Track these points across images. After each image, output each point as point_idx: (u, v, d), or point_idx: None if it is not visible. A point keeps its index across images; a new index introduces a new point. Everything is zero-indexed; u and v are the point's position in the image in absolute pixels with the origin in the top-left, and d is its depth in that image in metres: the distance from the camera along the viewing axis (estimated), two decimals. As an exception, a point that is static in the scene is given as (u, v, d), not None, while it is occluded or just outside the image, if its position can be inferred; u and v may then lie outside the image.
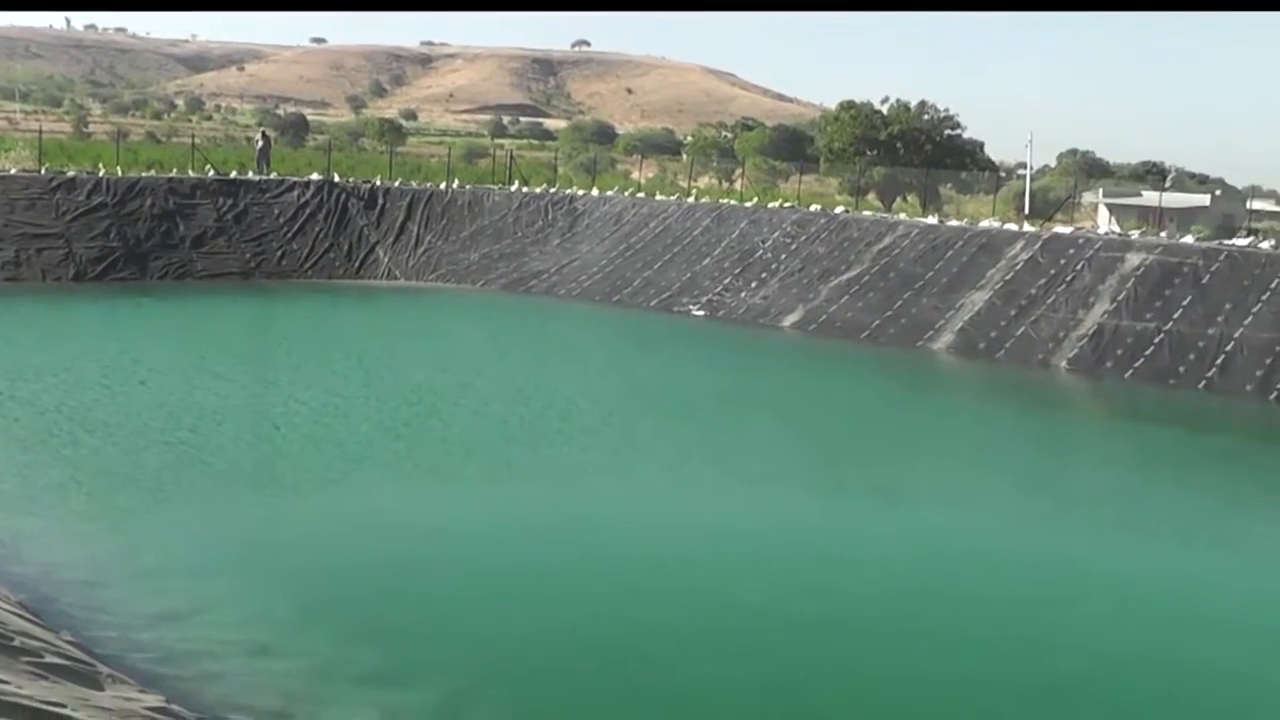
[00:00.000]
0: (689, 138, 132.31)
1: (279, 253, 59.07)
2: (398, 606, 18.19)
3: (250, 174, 63.72)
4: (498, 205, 64.85)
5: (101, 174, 58.52)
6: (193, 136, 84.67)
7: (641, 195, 66.29)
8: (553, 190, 67.78)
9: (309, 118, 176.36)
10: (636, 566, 21.07)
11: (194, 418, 29.11)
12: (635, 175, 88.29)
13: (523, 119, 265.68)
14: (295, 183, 62.98)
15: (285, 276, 57.37)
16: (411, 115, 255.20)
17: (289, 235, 60.11)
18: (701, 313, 53.09)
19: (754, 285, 54.17)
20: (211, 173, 62.64)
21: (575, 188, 69.52)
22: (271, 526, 22.13)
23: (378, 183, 65.46)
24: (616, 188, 69.38)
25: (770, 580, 20.71)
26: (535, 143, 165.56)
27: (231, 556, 20.07)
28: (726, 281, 55.01)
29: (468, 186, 67.70)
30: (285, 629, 16.94)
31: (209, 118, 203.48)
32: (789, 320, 50.88)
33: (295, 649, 16.23)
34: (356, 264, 60.34)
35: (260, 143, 69.07)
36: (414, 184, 67.13)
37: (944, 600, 20.28)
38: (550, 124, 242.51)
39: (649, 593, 19.58)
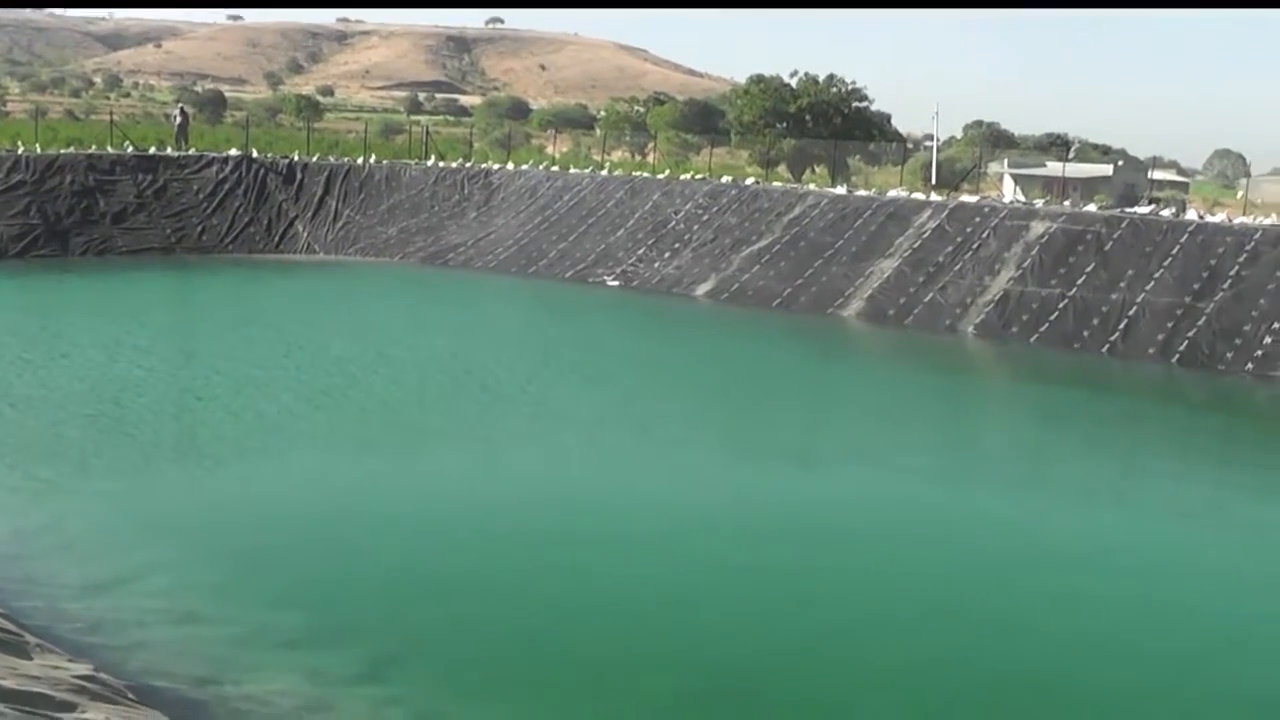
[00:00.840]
0: (602, 113, 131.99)
1: (199, 228, 58.55)
2: (322, 573, 18.13)
3: (169, 150, 63.20)
4: (415, 180, 64.56)
5: (20, 152, 57.90)
6: (111, 114, 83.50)
7: (556, 169, 66.10)
8: (469, 165, 67.53)
9: (227, 94, 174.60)
10: (556, 528, 21.03)
11: (116, 390, 28.90)
12: (550, 150, 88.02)
13: (438, 95, 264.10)
14: (214, 158, 62.47)
15: (206, 251, 56.86)
16: (328, 92, 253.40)
17: (209, 211, 59.57)
18: (616, 283, 53.06)
19: (667, 256, 54.17)
20: (131, 149, 62.08)
21: (491, 162, 69.32)
22: (195, 496, 21.96)
23: (296, 158, 65.05)
24: (531, 162, 69.27)
25: (685, 537, 20.82)
26: (451, 119, 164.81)
27: (156, 527, 19.92)
28: (640, 252, 54.99)
29: (385, 162, 67.30)
30: (211, 597, 16.84)
31: (127, 95, 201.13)
32: (702, 289, 50.96)
33: (221, 616, 16.14)
34: (276, 238, 59.92)
35: (179, 119, 68.45)
36: (332, 159, 66.67)
37: (853, 553, 20.48)
38: (466, 100, 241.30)
39: (569, 554, 19.57)
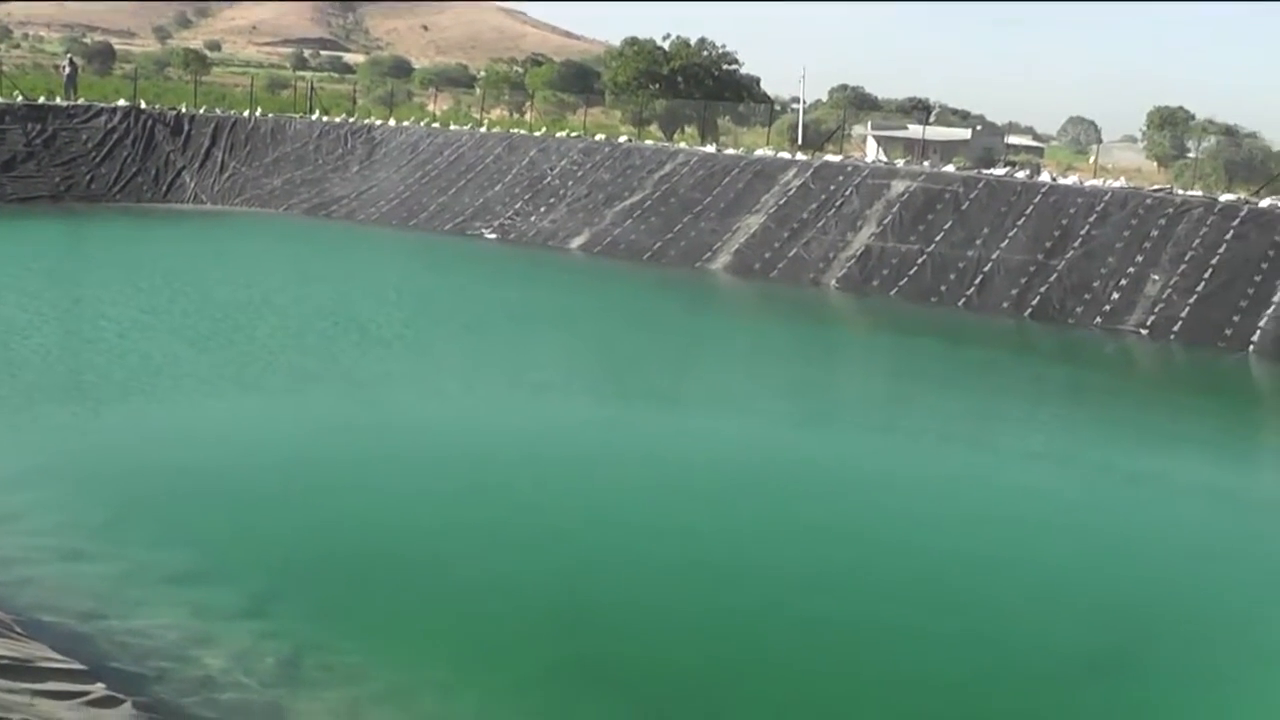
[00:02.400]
0: (482, 73, 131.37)
1: (88, 177, 57.55)
2: (205, 511, 17.89)
3: (59, 100, 62.07)
4: (299, 133, 63.88)
5: (-89, 100, 56.66)
6: (0, 64, 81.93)
7: (437, 126, 65.67)
8: (352, 120, 66.86)
9: (116, 47, 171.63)
10: (431, 468, 20.96)
11: (2, 332, 28.31)
12: (431, 108, 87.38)
13: (323, 53, 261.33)
14: (103, 109, 61.35)
15: (94, 200, 55.83)
16: (216, 46, 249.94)
17: (97, 160, 58.57)
18: (494, 236, 52.86)
19: (543, 210, 54.01)
20: (20, 99, 60.94)
21: (374, 118, 68.69)
22: (80, 437, 21.60)
23: (183, 110, 64.12)
24: (413, 119, 68.68)
25: (554, 479, 20.77)
26: (336, 75, 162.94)
27: (41, 467, 19.54)
28: (517, 206, 54.77)
29: (270, 115, 66.50)
30: (96, 535, 16.58)
31: (17, 46, 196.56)
32: (576, 242, 50.91)
33: (106, 553, 15.89)
34: (164, 188, 59.07)
35: (67, 70, 67.15)
36: (219, 112, 65.75)
37: (716, 497, 20.47)
38: (350, 58, 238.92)
39: (442, 493, 19.50)
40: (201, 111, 64.71)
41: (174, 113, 63.13)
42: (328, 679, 12.79)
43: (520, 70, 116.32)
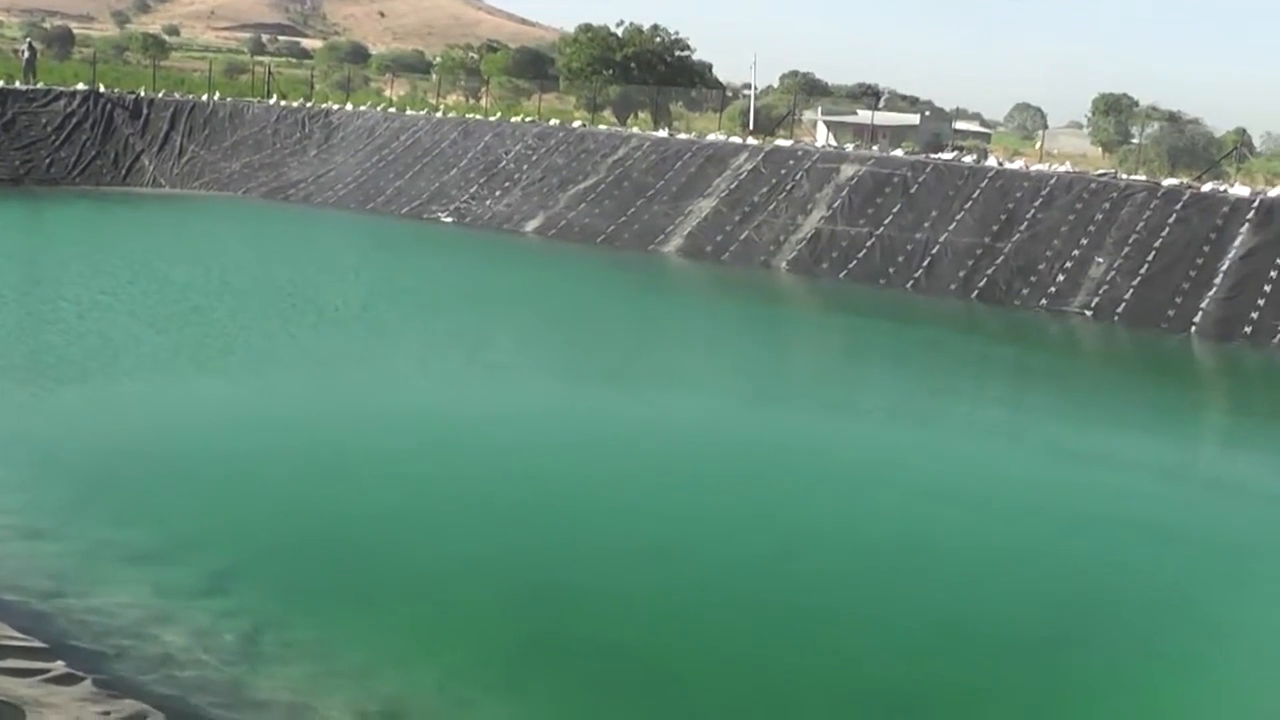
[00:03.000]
0: (438, 59, 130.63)
1: (47, 160, 57.25)
2: (165, 491, 17.73)
3: (18, 84, 61.60)
4: (257, 117, 63.67)
5: None
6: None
7: (393, 110, 65.48)
8: (309, 105, 66.59)
9: (75, 31, 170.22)
10: (390, 449, 20.78)
11: (-37, 314, 28.11)
12: (388, 93, 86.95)
13: (281, 38, 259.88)
14: (62, 92, 61.05)
15: (54, 183, 55.56)
16: (174, 31, 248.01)
17: (57, 144, 58.27)
18: (450, 219, 52.80)
19: (498, 194, 54.01)
20: (-21, 83, 60.48)
21: (331, 103, 68.37)
22: (40, 417, 21.34)
23: (142, 94, 63.78)
24: (370, 103, 68.40)
25: (511, 460, 20.67)
26: (294, 61, 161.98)
27: (1, 446, 19.38)
28: (473, 190, 54.77)
29: (229, 100, 66.23)
30: (56, 514, 16.39)
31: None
32: (531, 226, 50.92)
33: (66, 533, 15.72)
34: (123, 172, 58.83)
35: (26, 54, 66.86)
36: (177, 96, 65.45)
37: (671, 477, 20.46)
38: (307, 44, 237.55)
39: (402, 474, 19.35)
40: (160, 95, 64.41)
41: (133, 97, 62.83)
42: (288, 656, 12.69)
43: (476, 56, 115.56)
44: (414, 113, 64.57)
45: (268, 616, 13.57)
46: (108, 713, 10.48)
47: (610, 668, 13.16)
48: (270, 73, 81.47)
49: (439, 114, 64.40)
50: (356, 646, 13.05)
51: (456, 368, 27.59)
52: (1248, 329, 37.44)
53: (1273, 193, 42.98)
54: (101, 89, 62.86)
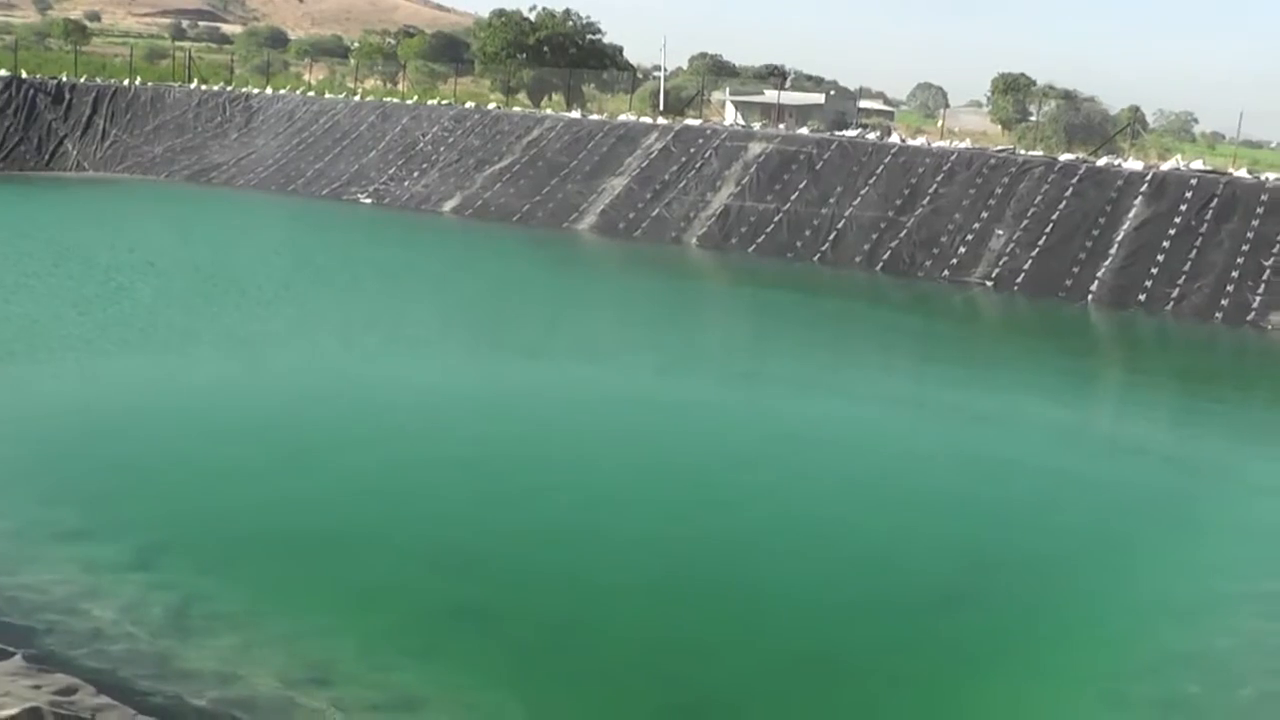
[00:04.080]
0: (356, 44, 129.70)
1: (-30, 147, 56.59)
2: (93, 469, 17.58)
3: (-60, 72, 60.82)
4: (179, 102, 63.19)
5: None
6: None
7: (312, 94, 65.06)
8: (230, 89, 66.05)
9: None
10: (312, 423, 20.75)
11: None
12: (307, 78, 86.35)
13: (201, 23, 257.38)
14: (-16, 79, 60.28)
15: (-23, 169, 54.87)
16: (95, 17, 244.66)
17: (-22, 130, 57.64)
18: (369, 200, 52.62)
19: (416, 175, 53.91)
20: (-99, 70, 59.61)
21: (251, 87, 67.83)
22: (-32, 398, 21.17)
23: (65, 79, 63.11)
24: (289, 87, 67.91)
25: (431, 431, 20.70)
26: (214, 46, 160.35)
27: (-70, 427, 19.17)
28: (391, 172, 54.66)
29: (150, 84, 65.65)
30: (-16, 494, 16.24)
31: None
32: (449, 206, 50.85)
33: (-5, 512, 15.57)
34: (46, 157, 58.33)
35: (-52, 42, 65.96)
36: (99, 81, 64.82)
37: (585, 446, 20.50)
38: (227, 29, 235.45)
39: (324, 447, 19.27)
40: (82, 81, 63.82)
41: (55, 82, 62.23)
42: (215, 628, 12.63)
43: (393, 42, 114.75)
44: (333, 97, 64.24)
45: (195, 590, 13.48)
46: (39, 686, 10.39)
47: (527, 632, 13.17)
48: (191, 58, 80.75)
49: (357, 98, 64.05)
50: (282, 617, 13.01)
51: (376, 344, 27.42)
52: (1142, 297, 38.00)
53: (1165, 167, 43.62)
54: (24, 75, 62.21)
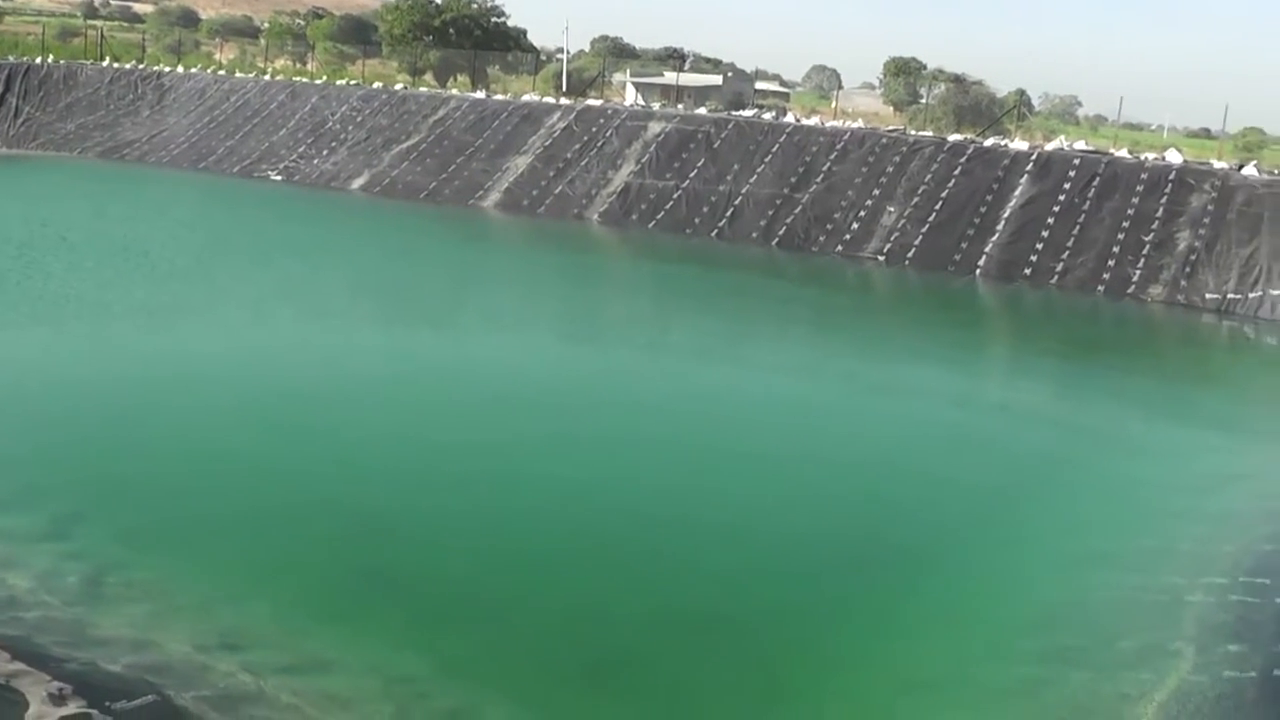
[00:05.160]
0: (266, 24, 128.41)
1: (-119, 123, 55.61)
2: (5, 440, 17.27)
3: None
4: (91, 79, 62.36)
5: None
6: None
7: (223, 73, 64.37)
8: (142, 67, 65.21)
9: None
10: (222, 393, 20.48)
11: None
12: (218, 57, 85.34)
13: (113, 2, 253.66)
14: (-104, 58, 59.19)
15: (-111, 146, 53.91)
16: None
17: (-109, 108, 56.68)
18: (279, 177, 52.24)
19: (325, 153, 53.55)
20: None
21: (163, 65, 67.01)
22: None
23: (-24, 58, 62.11)
24: (200, 66, 67.15)
25: (340, 399, 20.54)
26: (125, 25, 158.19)
27: None
28: (301, 150, 54.26)
29: (63, 62, 64.68)
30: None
31: None
32: (357, 183, 50.57)
33: (-94, 483, 15.30)
34: (-42, 134, 57.34)
35: None
36: (11, 59, 63.77)
37: (492, 413, 20.40)
38: (139, 8, 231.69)
39: (234, 416, 19.04)
40: (-5, 59, 62.71)
41: (-34, 60, 61.10)
42: (129, 595, 12.47)
43: (302, 23, 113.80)
44: (243, 76, 63.51)
45: (109, 558, 13.30)
46: (-49, 654, 10.21)
47: (435, 597, 13.12)
48: (103, 36, 79.44)
49: (267, 77, 63.40)
50: (195, 584, 12.85)
51: (287, 317, 27.20)
52: (1027, 270, 38.50)
53: (1049, 147, 44.16)
54: (-64, 53, 61.11)
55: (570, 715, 11.00)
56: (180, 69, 64.76)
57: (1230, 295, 36.34)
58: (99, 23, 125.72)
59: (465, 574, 13.72)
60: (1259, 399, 27.63)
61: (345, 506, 15.39)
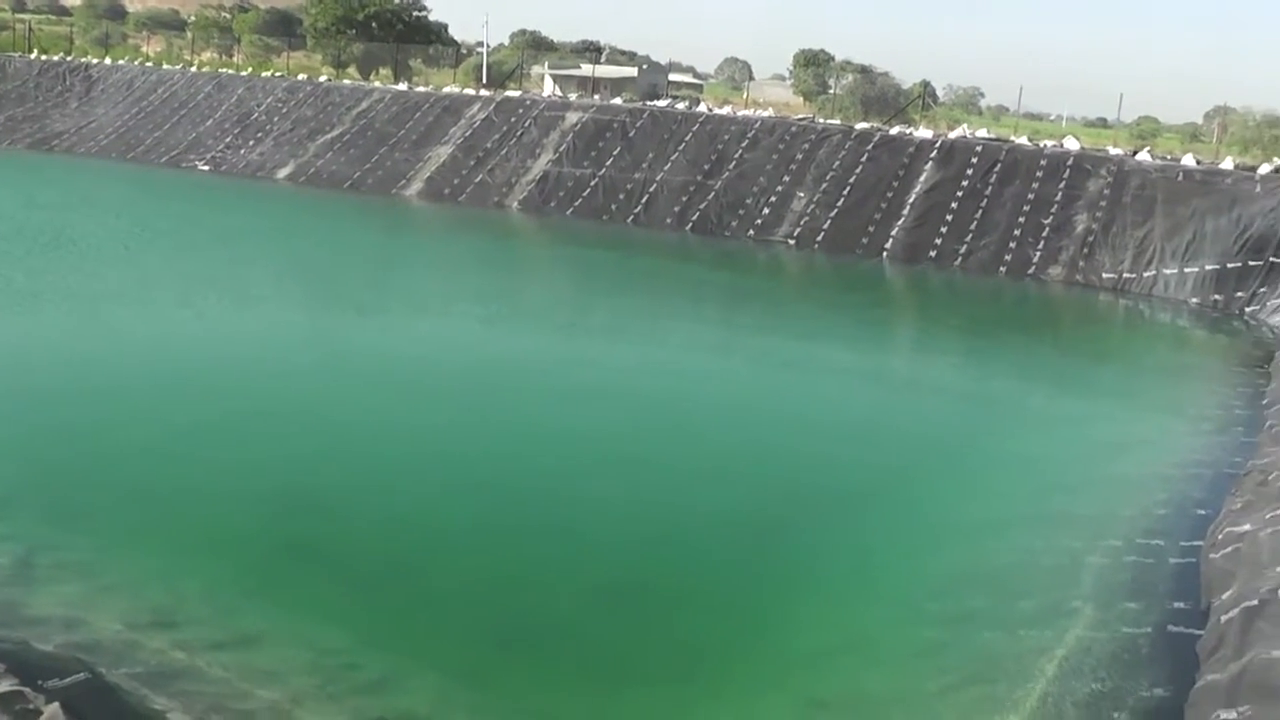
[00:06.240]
0: (193, 17, 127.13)
1: None
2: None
3: None
4: (19, 71, 61.66)
5: None
6: None
7: (151, 65, 63.72)
8: (70, 59, 64.42)
9: None
10: (153, 374, 20.29)
11: None
12: (145, 49, 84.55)
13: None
14: None
15: None
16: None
17: None
18: (207, 168, 51.78)
19: (252, 144, 53.14)
20: None
21: (91, 58, 66.23)
22: None
23: (-95, 51, 61.15)
24: (127, 58, 66.42)
25: (271, 380, 20.41)
26: (53, 18, 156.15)
27: None
28: (228, 140, 53.81)
29: (-10, 55, 63.81)
30: None
31: None
32: (283, 173, 50.25)
33: None
34: (-113, 126, 56.45)
35: None
36: (-60, 53, 62.88)
37: (417, 391, 20.34)
38: (67, 1, 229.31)
39: (165, 397, 18.84)
40: (-77, 52, 61.77)
41: (-105, 54, 60.15)
42: (60, 576, 12.31)
43: (228, 16, 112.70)
44: (170, 67, 62.92)
45: (39, 539, 13.11)
46: (-118, 636, 10.06)
47: (363, 568, 13.06)
48: (31, 29, 78.49)
49: (194, 69, 62.81)
50: (126, 563, 12.71)
51: (212, 301, 26.90)
52: (932, 253, 38.83)
53: (953, 135, 44.49)
54: None
55: (493, 682, 10.98)
56: (108, 61, 64.06)
57: (1126, 274, 36.78)
58: (27, 16, 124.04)
59: (391, 548, 13.65)
60: (1153, 372, 27.97)
61: (272, 484, 15.27)
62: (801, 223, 41.30)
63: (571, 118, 48.67)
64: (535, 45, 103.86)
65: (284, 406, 18.94)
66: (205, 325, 24.55)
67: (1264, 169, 39.57)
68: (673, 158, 45.23)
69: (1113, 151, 42.47)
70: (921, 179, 41.45)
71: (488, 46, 77.15)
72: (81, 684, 9.56)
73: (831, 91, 72.38)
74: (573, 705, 10.68)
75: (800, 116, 50.12)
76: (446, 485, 15.84)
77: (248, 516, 14.20)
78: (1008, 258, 38.14)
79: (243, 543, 13.49)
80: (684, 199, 43.45)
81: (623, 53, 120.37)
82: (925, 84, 71.60)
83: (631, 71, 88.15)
